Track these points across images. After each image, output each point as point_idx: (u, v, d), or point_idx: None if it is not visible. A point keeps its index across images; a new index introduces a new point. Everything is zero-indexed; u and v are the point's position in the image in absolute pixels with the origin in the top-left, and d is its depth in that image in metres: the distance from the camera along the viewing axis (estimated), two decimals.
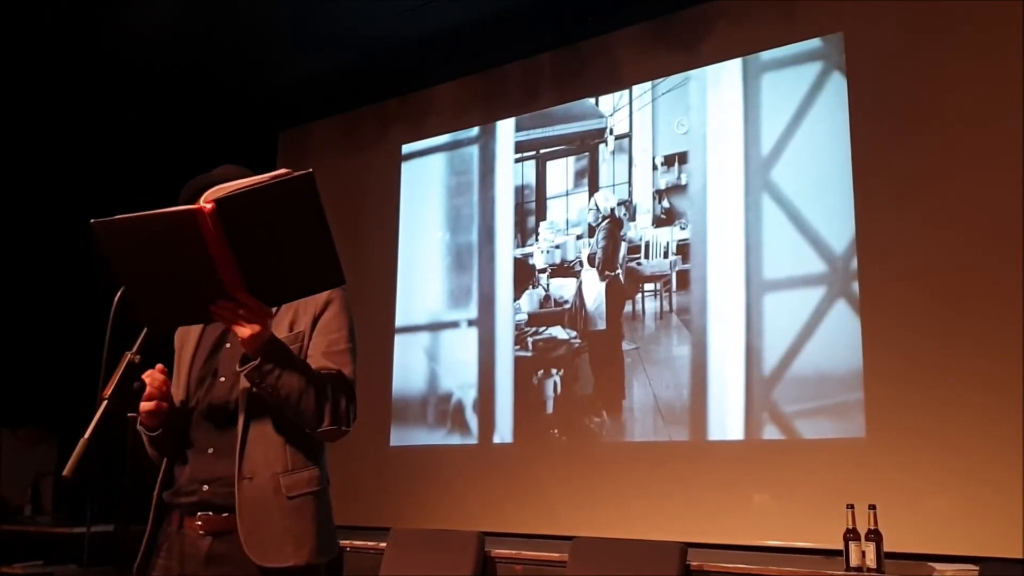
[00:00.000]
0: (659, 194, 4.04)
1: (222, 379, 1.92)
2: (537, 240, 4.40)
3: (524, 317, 4.37)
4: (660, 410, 3.87)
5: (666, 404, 3.85)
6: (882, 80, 3.52)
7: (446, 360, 4.61)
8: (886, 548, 3.01)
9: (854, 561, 3.03)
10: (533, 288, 4.37)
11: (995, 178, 3.23)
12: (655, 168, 4.07)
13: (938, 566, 3.03)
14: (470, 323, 4.56)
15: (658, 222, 4.02)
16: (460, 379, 4.52)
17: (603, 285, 4.14)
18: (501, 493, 4.22)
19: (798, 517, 3.43)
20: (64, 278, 5.28)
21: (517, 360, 4.34)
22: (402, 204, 4.93)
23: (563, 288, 4.27)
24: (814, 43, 3.71)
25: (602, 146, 4.26)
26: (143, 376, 1.84)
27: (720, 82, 3.94)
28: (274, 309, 1.89)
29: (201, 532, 1.85)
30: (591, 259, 4.20)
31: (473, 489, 4.31)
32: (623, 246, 4.10)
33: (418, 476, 4.50)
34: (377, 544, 4.08)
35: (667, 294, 3.93)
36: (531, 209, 4.44)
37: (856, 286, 3.46)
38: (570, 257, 4.27)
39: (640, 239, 4.06)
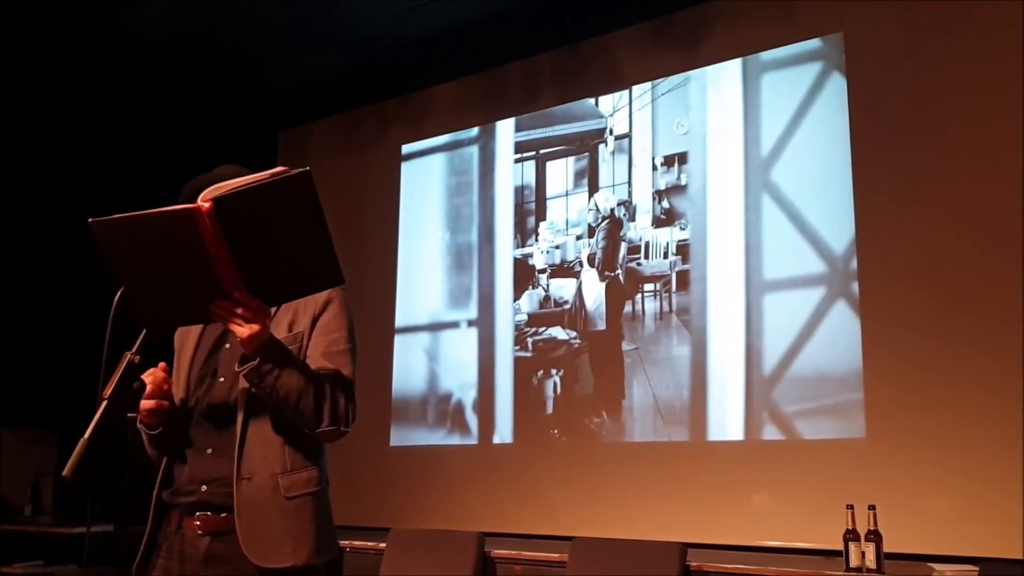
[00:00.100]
0: (659, 194, 4.04)
1: (221, 379, 1.92)
2: (537, 240, 4.40)
3: (524, 317, 4.37)
4: (660, 410, 3.87)
5: (666, 404, 3.85)
6: (882, 80, 3.52)
7: (446, 360, 4.61)
8: (886, 548, 3.01)
9: (854, 562, 3.03)
10: (533, 288, 4.37)
11: (995, 178, 3.23)
12: (655, 168, 4.07)
13: (938, 567, 3.02)
14: (470, 323, 4.56)
15: (658, 222, 4.02)
16: (460, 379, 4.52)
17: (603, 285, 4.14)
18: (501, 493, 4.22)
19: (798, 517, 3.43)
20: (64, 278, 5.28)
21: (517, 360, 4.34)
22: (402, 204, 4.93)
23: (563, 288, 4.27)
24: (814, 43, 3.71)
25: (602, 146, 4.26)
26: (144, 375, 1.84)
27: (720, 82, 3.94)
28: (273, 309, 1.89)
29: (200, 532, 1.85)
30: (591, 259, 4.20)
31: (473, 489, 4.31)
32: (623, 246, 4.10)
33: (418, 476, 4.50)
34: (377, 544, 4.08)
35: (667, 294, 3.93)
36: (531, 209, 4.44)
37: (856, 286, 3.46)
38: (570, 257, 4.27)
39: (640, 239, 4.06)
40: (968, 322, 3.22)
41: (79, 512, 5.05)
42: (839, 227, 3.52)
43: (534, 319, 4.33)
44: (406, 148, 4.97)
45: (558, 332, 4.24)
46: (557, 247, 4.32)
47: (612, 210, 4.17)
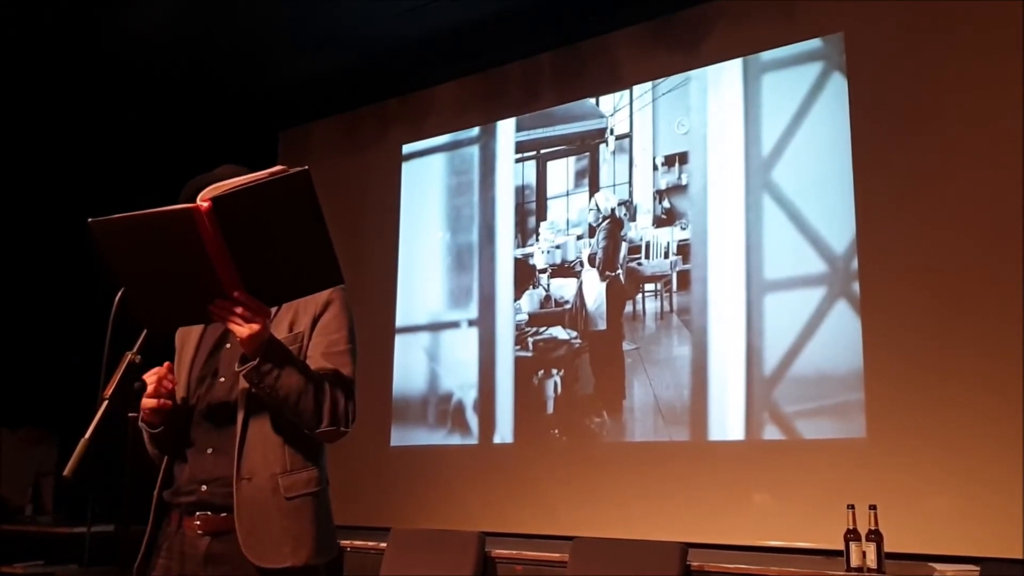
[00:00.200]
0: (659, 194, 4.04)
1: (222, 379, 1.92)
2: (537, 240, 4.39)
3: (524, 317, 4.37)
4: (660, 410, 3.86)
5: (666, 404, 3.85)
6: (882, 80, 3.52)
7: (446, 360, 4.61)
8: (886, 548, 3.01)
9: (855, 561, 3.02)
10: (533, 288, 4.36)
11: (995, 178, 3.23)
12: (655, 168, 4.07)
13: (939, 566, 3.02)
14: (470, 323, 4.55)
15: (658, 222, 4.02)
16: (460, 379, 4.52)
17: (603, 285, 4.14)
18: (501, 493, 4.22)
19: (799, 517, 3.43)
20: (64, 278, 5.28)
21: (517, 360, 4.34)
22: (402, 204, 4.93)
23: (563, 288, 4.26)
24: (814, 43, 3.71)
25: (602, 146, 4.26)
26: (147, 374, 1.84)
27: (720, 82, 3.94)
28: (274, 309, 1.89)
29: (200, 532, 1.85)
30: (591, 259, 4.20)
31: (473, 489, 4.31)
32: (623, 246, 4.10)
33: (418, 476, 4.50)
34: (377, 544, 4.08)
35: (667, 294, 3.93)
36: (531, 209, 4.44)
37: (856, 286, 3.46)
38: (570, 257, 4.27)
39: (640, 239, 4.06)
40: (968, 322, 3.22)
41: (79, 512, 5.05)
42: (840, 227, 3.52)
43: (535, 319, 4.33)
44: (406, 148, 4.97)
45: (559, 332, 4.24)
46: (558, 247, 4.32)
47: (613, 210, 4.17)
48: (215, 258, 1.64)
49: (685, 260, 3.91)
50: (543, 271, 4.35)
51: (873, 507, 3.03)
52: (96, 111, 5.09)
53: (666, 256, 3.97)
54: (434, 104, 4.89)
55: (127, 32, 4.41)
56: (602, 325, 4.11)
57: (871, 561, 2.98)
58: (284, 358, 1.78)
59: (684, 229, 3.94)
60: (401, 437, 4.67)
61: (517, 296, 4.41)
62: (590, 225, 4.23)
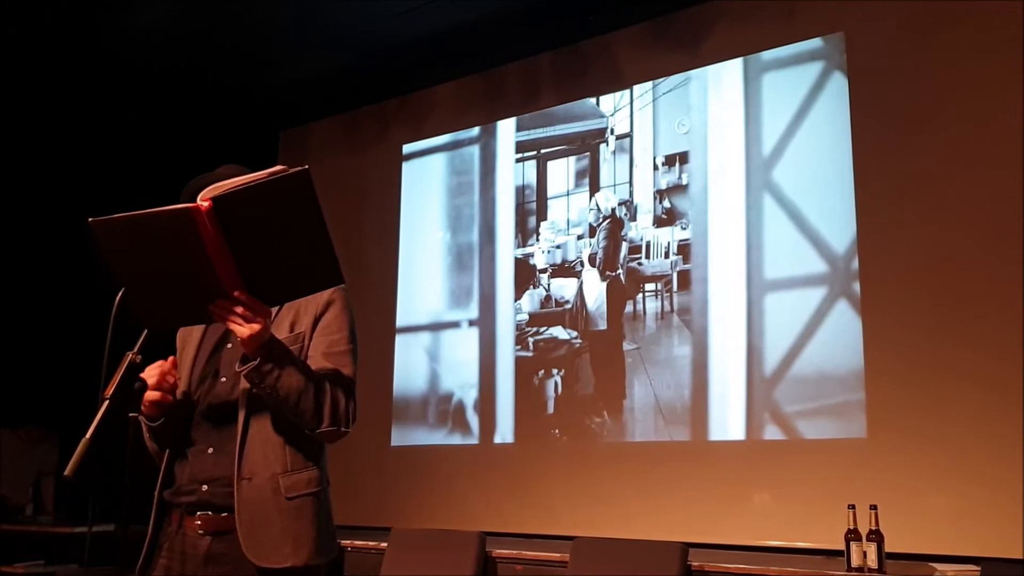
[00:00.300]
0: (660, 194, 4.04)
1: (223, 379, 1.92)
2: (538, 240, 4.39)
3: (525, 317, 4.37)
4: (661, 410, 3.86)
5: (667, 404, 3.85)
6: (883, 80, 3.52)
7: (447, 360, 4.61)
8: (887, 548, 3.01)
9: (855, 561, 3.02)
10: (534, 288, 4.36)
11: (996, 178, 3.23)
12: (656, 168, 4.07)
13: (939, 566, 3.02)
14: (471, 323, 4.55)
15: (659, 222, 4.02)
16: (461, 379, 4.52)
17: (604, 285, 4.14)
18: (502, 493, 4.22)
19: (799, 517, 3.43)
20: (65, 278, 5.28)
21: (518, 360, 4.34)
22: (403, 204, 4.93)
23: (564, 288, 4.26)
24: (815, 43, 3.71)
25: (603, 146, 4.26)
26: (151, 367, 1.83)
27: (721, 82, 3.94)
28: (275, 309, 1.89)
29: (200, 532, 1.85)
30: (592, 259, 4.20)
31: (474, 489, 4.31)
32: (624, 246, 4.10)
33: (419, 476, 4.50)
34: (378, 544, 4.08)
35: (668, 294, 3.93)
36: (532, 209, 4.44)
37: (857, 286, 3.46)
38: (571, 257, 4.27)
39: (641, 239, 4.06)
40: (969, 322, 3.22)
41: (80, 512, 5.05)
42: (840, 227, 3.52)
43: (535, 319, 4.33)
44: (407, 148, 4.97)
45: (559, 332, 4.24)
46: (558, 247, 4.32)
47: (613, 210, 4.17)
48: (215, 258, 1.64)
49: (685, 260, 3.91)
50: (543, 271, 4.35)
51: (874, 507, 3.02)
52: (96, 111, 5.10)
53: (666, 256, 3.97)
54: (434, 104, 4.89)
55: (127, 32, 4.41)
56: (602, 325, 4.11)
57: (872, 561, 2.98)
58: (285, 358, 1.78)
59: (684, 229, 3.93)
60: (401, 437, 4.67)
61: (517, 296, 4.41)
62: (590, 225, 4.23)
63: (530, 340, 4.32)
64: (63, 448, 5.36)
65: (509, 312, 4.42)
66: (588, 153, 4.30)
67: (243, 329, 1.71)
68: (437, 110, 4.87)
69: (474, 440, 4.42)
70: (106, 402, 1.71)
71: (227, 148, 3.78)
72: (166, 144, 5.24)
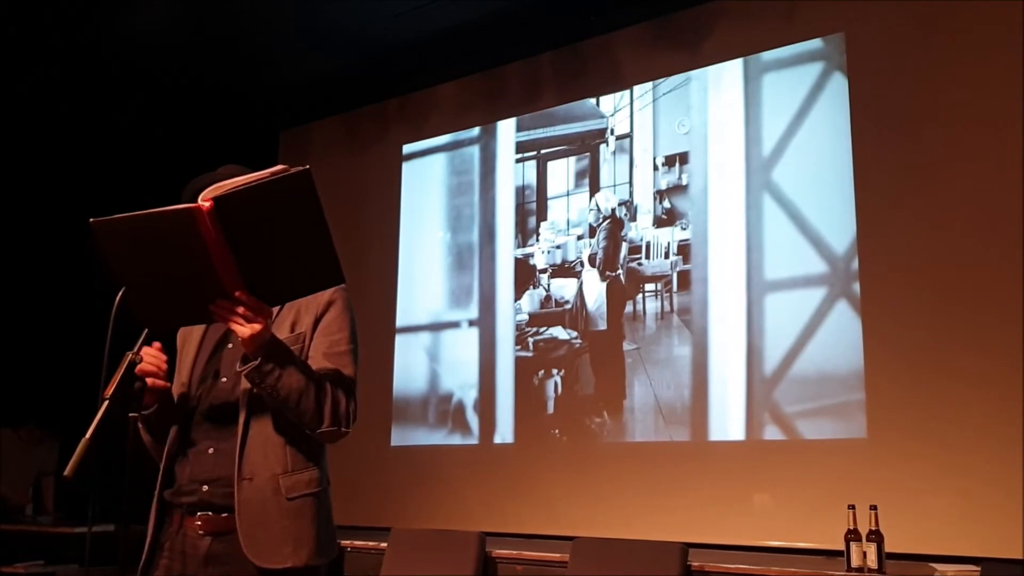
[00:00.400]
0: (660, 194, 4.04)
1: (223, 379, 1.92)
2: (538, 240, 4.39)
3: (525, 317, 4.37)
4: (661, 410, 3.86)
5: (667, 404, 3.85)
6: (883, 80, 3.52)
7: (447, 360, 4.61)
8: (887, 548, 3.01)
9: (855, 562, 3.02)
10: (534, 288, 4.37)
11: (996, 178, 3.23)
12: (656, 168, 4.07)
13: (939, 567, 3.02)
14: (471, 323, 4.55)
15: (659, 222, 4.02)
16: (461, 379, 4.52)
17: (604, 285, 4.14)
18: (502, 493, 4.22)
19: (799, 517, 3.43)
20: (66, 278, 5.28)
21: (518, 360, 4.34)
22: (403, 204, 4.93)
23: (564, 288, 4.26)
24: (815, 43, 3.71)
25: (603, 146, 4.26)
26: (142, 351, 1.82)
27: (721, 82, 3.94)
28: (276, 309, 1.89)
29: (201, 532, 1.85)
30: (592, 259, 4.20)
31: (474, 489, 4.31)
32: (624, 246, 4.10)
33: (419, 476, 4.50)
34: (378, 544, 4.08)
35: (668, 294, 3.93)
36: (532, 209, 4.44)
37: (857, 286, 3.46)
38: (571, 257, 4.27)
39: (641, 239, 4.06)
40: (969, 322, 3.22)
41: (80, 512, 5.05)
42: (840, 227, 3.52)
43: (535, 319, 4.33)
44: (407, 148, 4.97)
45: (559, 332, 4.24)
46: (558, 247, 4.32)
47: (613, 210, 4.17)
48: (216, 258, 1.64)
49: (685, 260, 3.91)
50: (543, 271, 4.35)
51: (874, 507, 3.02)
52: (97, 111, 5.10)
53: (666, 256, 3.97)
54: (434, 104, 4.89)
55: (127, 32, 4.41)
56: (602, 325, 4.11)
57: (872, 561, 2.98)
58: (286, 358, 1.78)
59: (684, 229, 3.94)
60: (401, 437, 4.67)
61: (517, 296, 4.41)
62: (590, 225, 4.23)
63: (530, 340, 4.32)
64: (63, 448, 5.36)
65: (509, 312, 4.42)
66: (588, 153, 4.30)
67: (244, 329, 1.71)
68: (437, 110, 4.87)
69: (474, 440, 4.42)
70: (106, 402, 1.71)
71: (227, 148, 3.78)
72: (166, 144, 5.24)
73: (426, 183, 4.87)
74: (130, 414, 1.87)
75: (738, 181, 3.81)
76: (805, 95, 3.69)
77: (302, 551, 1.83)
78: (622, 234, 4.12)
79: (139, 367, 1.80)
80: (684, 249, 3.92)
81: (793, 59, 3.76)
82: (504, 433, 4.33)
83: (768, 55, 3.82)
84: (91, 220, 1.63)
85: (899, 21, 3.52)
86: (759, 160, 3.77)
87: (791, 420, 3.53)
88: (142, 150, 5.29)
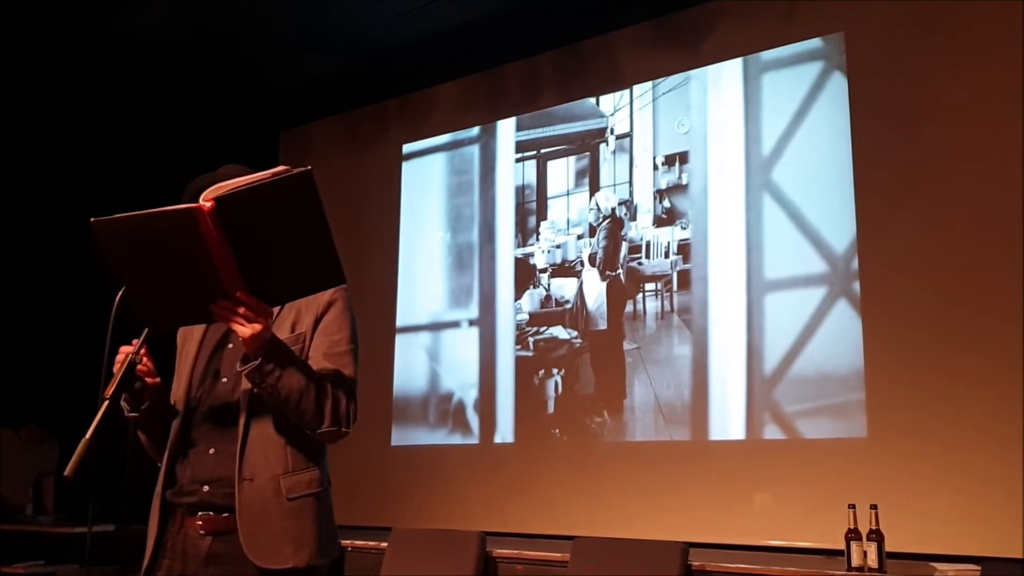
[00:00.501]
0: (660, 194, 4.04)
1: (224, 379, 1.92)
2: (538, 240, 4.39)
3: (525, 317, 4.37)
4: (661, 410, 3.87)
5: (667, 404, 3.85)
6: (883, 80, 3.52)
7: (447, 360, 4.61)
8: (887, 548, 3.01)
9: (856, 561, 3.02)
10: (534, 288, 4.37)
11: (996, 178, 3.23)
12: (656, 168, 4.07)
13: (939, 566, 3.03)
14: (471, 323, 4.55)
15: (659, 222, 4.02)
16: (461, 379, 4.52)
17: (604, 285, 4.14)
18: (502, 493, 4.22)
19: (799, 517, 3.43)
20: (66, 278, 5.28)
21: (518, 360, 4.34)
22: (403, 204, 4.93)
23: (564, 288, 4.27)
24: (815, 43, 3.71)
25: (603, 146, 4.26)
26: (121, 349, 1.81)
27: (721, 82, 3.94)
28: (276, 309, 1.89)
29: (202, 532, 1.85)
30: (592, 259, 4.20)
31: (474, 489, 4.31)
32: (624, 246, 4.10)
33: (419, 476, 4.50)
34: (378, 544, 4.08)
35: (668, 294, 3.93)
36: (532, 209, 4.44)
37: (857, 286, 3.46)
38: (571, 257, 4.27)
39: (641, 239, 4.06)
40: (969, 322, 3.22)
41: (80, 512, 5.05)
42: (840, 226, 3.52)
43: (535, 319, 4.33)
44: (407, 148, 4.97)
45: (559, 331, 4.24)
46: (558, 246, 4.32)
47: (613, 209, 4.17)
48: (217, 258, 1.64)
49: (685, 260, 3.91)
50: (543, 271, 4.35)
51: (874, 507, 3.03)
52: (97, 111, 5.10)
53: (666, 256, 3.97)
54: (434, 104, 4.89)
55: (127, 33, 4.41)
56: (603, 325, 4.11)
57: (872, 561, 2.98)
58: (286, 358, 1.78)
59: (684, 229, 3.94)
60: (402, 437, 4.67)
61: (517, 296, 4.41)
62: (590, 225, 4.23)
63: (530, 340, 4.32)
64: (63, 448, 5.36)
65: (509, 312, 4.42)
66: (588, 153, 4.30)
67: (245, 329, 1.71)
68: (437, 110, 4.87)
69: (474, 440, 4.42)
70: (106, 402, 1.71)
71: (227, 148, 3.78)
72: (167, 144, 5.24)
73: (426, 183, 4.87)
74: (126, 415, 1.87)
75: (738, 181, 3.81)
76: (805, 95, 3.69)
77: (303, 551, 1.83)
78: (622, 233, 4.12)
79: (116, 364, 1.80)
80: (684, 249, 3.92)
81: (793, 59, 3.76)
82: (504, 433, 4.33)
83: (768, 55, 3.82)
84: (92, 220, 1.63)
85: (899, 21, 3.52)
86: (759, 160, 3.77)
87: (791, 420, 3.53)
88: (142, 150, 5.29)
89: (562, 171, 4.37)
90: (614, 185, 4.19)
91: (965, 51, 3.35)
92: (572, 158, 4.35)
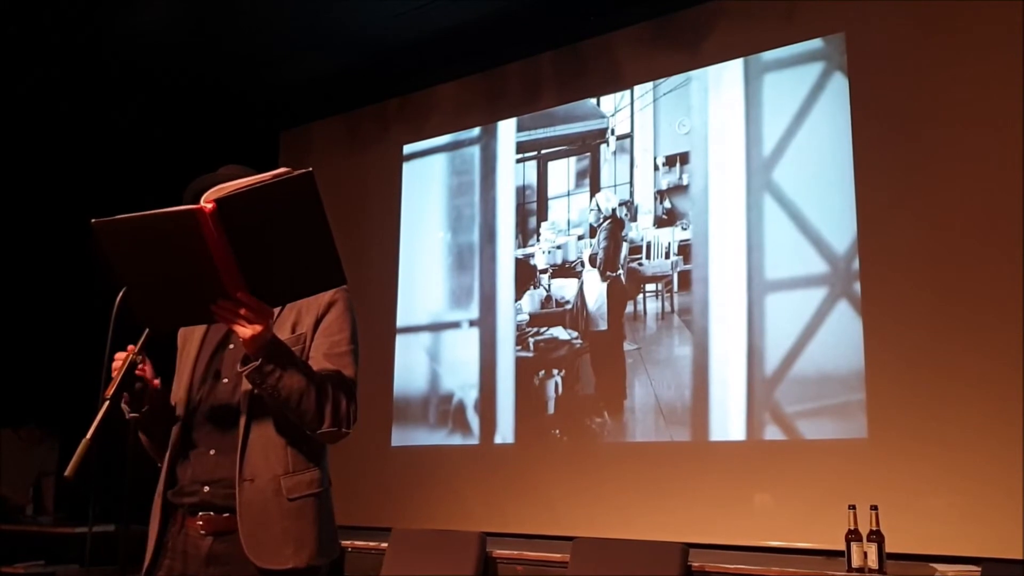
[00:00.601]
0: (660, 194, 4.04)
1: (224, 380, 1.92)
2: (538, 240, 4.39)
3: (525, 317, 4.37)
4: (661, 410, 3.86)
5: (667, 404, 3.85)
6: (884, 80, 3.52)
7: (447, 360, 4.61)
8: (888, 549, 3.01)
9: (856, 562, 3.02)
10: (534, 288, 4.36)
11: (997, 178, 3.23)
12: (656, 168, 4.07)
13: (940, 567, 3.02)
14: (471, 323, 4.55)
15: (659, 222, 4.02)
16: (461, 379, 4.52)
17: (604, 285, 4.14)
18: (502, 493, 4.22)
19: (800, 518, 3.43)
20: (67, 278, 5.28)
21: (518, 360, 4.34)
22: (403, 204, 4.93)
23: (564, 288, 4.26)
24: (815, 43, 3.71)
25: (603, 146, 4.26)
26: (117, 356, 1.81)
27: (721, 82, 3.94)
28: (277, 310, 1.89)
29: (202, 532, 1.85)
30: (592, 259, 4.20)
31: (474, 489, 4.31)
32: (624, 246, 4.10)
33: (419, 476, 4.50)
34: (378, 544, 4.08)
35: (668, 294, 3.93)
36: (532, 209, 4.44)
37: (858, 286, 3.46)
38: (571, 257, 4.27)
39: (641, 239, 4.06)
40: (969, 322, 3.22)
41: (80, 512, 5.05)
42: (841, 227, 3.52)
43: (535, 319, 4.33)
44: (407, 148, 4.97)
45: (559, 332, 4.24)
46: (559, 247, 4.32)
47: (614, 210, 4.17)
48: (218, 259, 1.64)
49: (686, 260, 3.91)
50: (544, 271, 4.35)
51: (874, 507, 3.02)
52: (97, 111, 5.10)
53: (667, 256, 3.97)
54: (435, 104, 4.89)
55: (127, 33, 4.41)
56: (603, 325, 4.11)
57: (872, 561, 2.98)
58: (287, 359, 1.78)
59: (685, 229, 3.94)
60: (402, 437, 4.67)
61: (518, 296, 4.41)
62: (591, 225, 4.23)
63: (530, 340, 4.32)
64: (63, 448, 5.36)
65: (509, 312, 4.42)
66: (588, 153, 4.30)
67: (245, 330, 1.71)
68: (438, 110, 4.87)
69: (474, 440, 4.42)
70: (106, 402, 1.71)
71: (228, 148, 3.78)
72: (167, 144, 5.24)
73: (426, 183, 4.87)
74: (127, 416, 1.87)
75: (739, 181, 3.81)
76: (805, 95, 3.69)
77: (303, 552, 1.83)
78: (623, 234, 4.12)
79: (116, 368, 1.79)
80: (685, 249, 3.92)
81: (793, 59, 3.76)
82: (505, 433, 4.33)
83: (768, 55, 3.82)
84: (92, 221, 1.63)
85: (899, 21, 3.52)
86: (759, 160, 3.77)
87: (792, 420, 3.53)
88: (142, 150, 5.29)
89: (563, 172, 4.37)
90: (615, 186, 4.19)
91: (965, 51, 3.35)
92: (573, 159, 4.35)
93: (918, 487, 3.21)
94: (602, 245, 4.17)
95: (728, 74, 3.92)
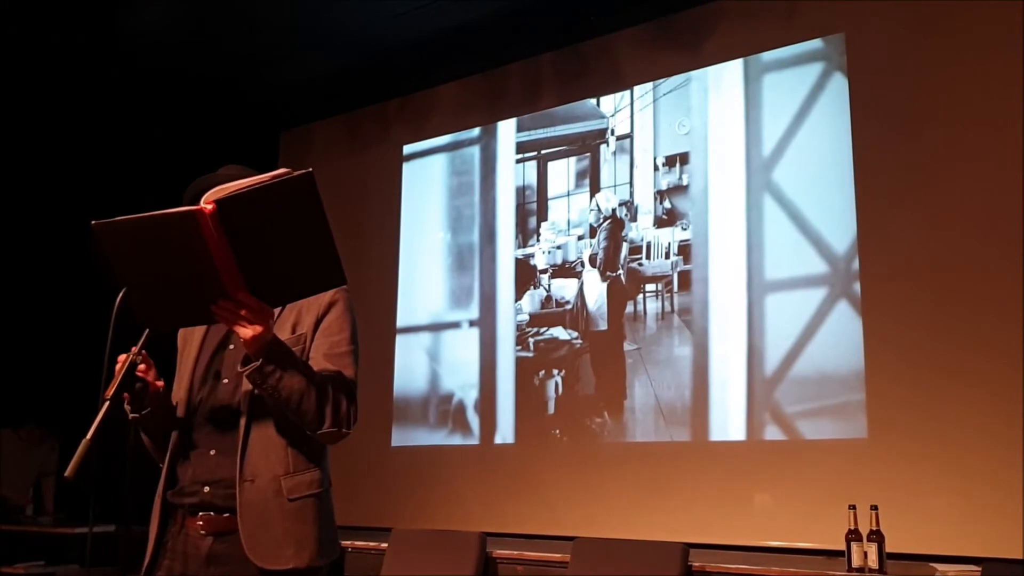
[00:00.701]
0: (660, 195, 4.04)
1: (225, 380, 1.92)
2: (538, 240, 4.40)
3: (525, 317, 4.37)
4: (662, 411, 3.86)
5: (667, 405, 3.85)
6: (883, 81, 3.52)
7: (447, 360, 4.61)
8: (888, 549, 3.01)
9: (856, 562, 3.02)
10: (534, 289, 4.37)
11: (996, 178, 3.23)
12: (656, 169, 4.07)
13: (940, 567, 3.03)
14: (471, 323, 4.55)
15: (659, 223, 4.02)
16: (461, 379, 4.52)
17: (604, 286, 4.14)
18: (502, 494, 4.22)
19: (800, 518, 3.43)
20: (67, 278, 5.28)
21: (518, 360, 4.34)
22: (403, 204, 4.93)
23: (564, 289, 4.27)
24: (815, 44, 3.71)
25: (603, 147, 4.26)
26: (119, 358, 1.81)
27: (721, 83, 3.94)
28: (277, 310, 1.88)
29: (202, 532, 1.85)
30: (592, 260, 4.20)
31: (474, 489, 4.31)
32: (624, 247, 4.10)
33: (419, 476, 4.50)
34: (378, 544, 4.08)
35: (668, 295, 3.93)
36: (532, 210, 4.44)
37: (858, 286, 3.46)
38: (571, 258, 4.27)
39: (641, 240, 4.06)
40: (969, 322, 3.22)
41: (81, 512, 5.05)
42: (841, 227, 3.52)
43: (535, 319, 4.33)
44: (407, 148, 4.97)
45: (559, 332, 4.24)
46: (559, 247, 4.32)
47: (614, 210, 4.17)
48: (219, 260, 1.64)
49: (686, 260, 3.91)
50: (544, 271, 4.35)
51: (874, 507, 3.02)
52: (96, 112, 5.09)
53: (667, 256, 3.97)
54: (435, 104, 4.89)
55: (127, 33, 4.41)
56: (603, 325, 4.11)
57: (872, 561, 2.98)
58: (287, 359, 1.78)
59: (685, 229, 3.94)
60: (402, 437, 4.67)
61: (518, 296, 4.41)
62: (591, 225, 4.23)
63: (531, 340, 4.32)
64: (63, 448, 5.36)
65: (510, 312, 4.42)
66: (588, 154, 4.30)
67: (246, 330, 1.71)
68: (438, 110, 4.87)
69: (475, 440, 4.42)
70: (106, 403, 1.71)
71: (228, 149, 3.78)
72: (167, 144, 5.24)
73: (426, 183, 4.87)
74: (129, 416, 1.87)
75: (738, 181, 3.81)
76: (805, 95, 3.70)
77: (304, 552, 1.83)
78: (623, 234, 4.12)
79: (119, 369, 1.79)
80: (685, 249, 3.92)
81: (793, 59, 3.76)
82: (505, 433, 4.33)
83: (768, 55, 3.82)
84: (92, 223, 1.63)
85: (899, 21, 3.52)
86: (759, 160, 3.77)
87: (792, 420, 3.53)
88: (142, 150, 5.28)
89: (563, 172, 4.37)
90: (615, 186, 4.19)
91: (965, 51, 3.36)
92: (573, 159, 4.35)
93: (918, 487, 3.21)
94: (602, 245, 4.18)
95: (728, 74, 3.92)
